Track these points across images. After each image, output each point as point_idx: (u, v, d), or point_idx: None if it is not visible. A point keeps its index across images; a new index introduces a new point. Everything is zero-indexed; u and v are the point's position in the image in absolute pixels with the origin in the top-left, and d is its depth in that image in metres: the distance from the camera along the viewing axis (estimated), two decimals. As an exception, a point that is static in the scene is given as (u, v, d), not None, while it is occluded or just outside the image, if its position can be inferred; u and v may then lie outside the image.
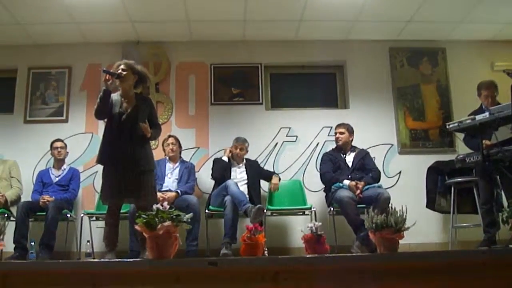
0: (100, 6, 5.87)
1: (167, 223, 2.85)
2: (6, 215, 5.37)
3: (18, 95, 6.75)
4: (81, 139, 6.54)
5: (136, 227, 2.96)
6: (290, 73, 7.05)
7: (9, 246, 4.86)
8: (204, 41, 6.79)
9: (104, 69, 4.42)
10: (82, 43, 6.79)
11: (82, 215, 5.78)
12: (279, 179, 5.96)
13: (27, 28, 6.40)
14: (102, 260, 3.91)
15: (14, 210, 5.59)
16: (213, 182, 5.95)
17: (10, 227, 4.95)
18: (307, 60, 6.89)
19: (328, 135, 6.48)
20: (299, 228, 4.74)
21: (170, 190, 5.59)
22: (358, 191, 5.32)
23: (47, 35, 6.59)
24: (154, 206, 2.94)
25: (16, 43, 6.76)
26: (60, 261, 3.32)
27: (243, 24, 6.39)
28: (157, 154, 5.61)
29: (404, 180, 6.38)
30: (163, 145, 5.99)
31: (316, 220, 5.29)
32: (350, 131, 5.87)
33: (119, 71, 4.37)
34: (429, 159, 5.99)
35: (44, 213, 5.42)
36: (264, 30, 6.56)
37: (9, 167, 5.95)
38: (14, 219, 5.45)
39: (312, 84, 7.03)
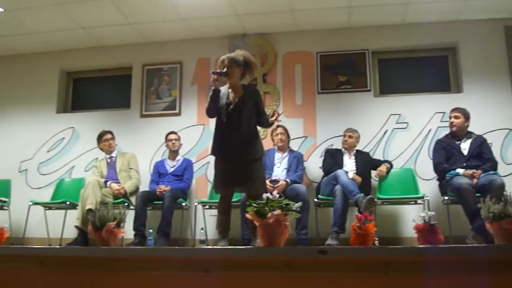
0: (206, 1, 6.04)
1: (277, 211, 2.88)
2: (126, 204, 5.66)
3: (134, 91, 7.14)
4: (193, 131, 6.78)
5: (247, 215, 3.02)
6: (399, 57, 6.82)
7: (129, 233, 5.11)
8: (309, 30, 6.76)
9: (213, 71, 4.52)
10: (191, 39, 7.03)
11: (196, 204, 6.01)
12: (390, 167, 5.86)
13: (140, 27, 6.73)
14: (215, 247, 4.03)
15: (133, 199, 5.90)
16: (321, 170, 5.95)
17: (130, 215, 5.23)
18: (416, 43, 6.63)
19: (441, 121, 6.21)
20: (411, 217, 4.60)
21: (279, 179, 5.64)
22: (475, 181, 5.05)
23: (158, 33, 6.89)
24: (264, 195, 2.98)
25: (130, 42, 7.15)
26: (176, 247, 3.47)
27: (348, 10, 6.28)
28: (266, 144, 5.68)
29: (524, 168, 5.98)
30: (271, 134, 6.06)
31: (429, 210, 5.09)
32: (466, 116, 5.52)
33: (225, 69, 4.45)
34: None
35: (161, 202, 5.68)
36: (369, 15, 6.41)
37: (128, 159, 6.29)
38: (133, 208, 5.75)
39: (422, 68, 6.72)
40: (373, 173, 5.91)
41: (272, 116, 4.46)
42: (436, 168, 5.51)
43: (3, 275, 3.08)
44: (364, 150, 6.14)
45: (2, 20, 6.45)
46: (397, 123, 6.38)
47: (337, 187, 5.33)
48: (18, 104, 7.37)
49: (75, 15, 6.37)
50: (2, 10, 6.18)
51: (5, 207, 6.35)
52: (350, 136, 5.93)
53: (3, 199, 6.35)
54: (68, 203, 6.03)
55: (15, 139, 7.22)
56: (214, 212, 5.51)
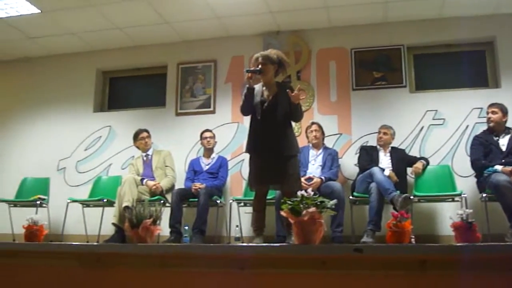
0: (240, -1, 6.07)
1: (312, 209, 2.87)
2: (161, 201, 5.76)
3: (169, 89, 7.22)
4: (227, 128, 6.81)
5: (282, 213, 3.02)
6: (435, 53, 6.70)
7: (165, 230, 5.19)
8: (344, 26, 6.71)
9: (247, 69, 4.52)
10: (225, 37, 7.06)
11: (230, 201, 6.04)
12: (427, 164, 5.79)
13: (175, 26, 6.79)
14: (250, 244, 4.05)
15: (169, 197, 5.95)
16: (356, 168, 5.91)
17: (166, 213, 5.30)
18: (452, 38, 6.50)
19: (478, 117, 6.09)
20: (448, 215, 4.54)
21: (314, 177, 5.63)
22: None
23: (192, 31, 6.94)
24: (299, 193, 2.98)
25: (165, 41, 7.23)
26: (211, 245, 3.48)
27: (383, 5, 6.21)
28: (300, 141, 5.65)
29: None
30: (306, 132, 6.05)
31: (466, 207, 5.03)
32: (504, 111, 5.39)
33: (259, 66, 4.45)
34: None
35: (196, 200, 5.72)
36: (405, 10, 6.31)
37: (164, 157, 6.36)
38: (169, 205, 5.80)
39: (459, 63, 6.58)
40: (409, 170, 5.84)
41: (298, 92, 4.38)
42: (474, 164, 5.40)
43: (43, 272, 3.15)
44: (400, 147, 6.07)
45: (40, 22, 6.60)
46: (433, 119, 6.28)
47: (373, 184, 5.28)
48: (56, 103, 7.54)
49: (111, 16, 6.48)
50: (40, 11, 6.32)
51: (44, 205, 6.50)
52: (385, 133, 5.87)
53: (42, 196, 6.50)
54: (105, 200, 6.14)
55: (53, 138, 7.39)
56: (249, 209, 5.54)
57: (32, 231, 4.26)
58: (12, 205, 6.57)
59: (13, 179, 7.05)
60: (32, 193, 6.61)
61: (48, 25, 6.70)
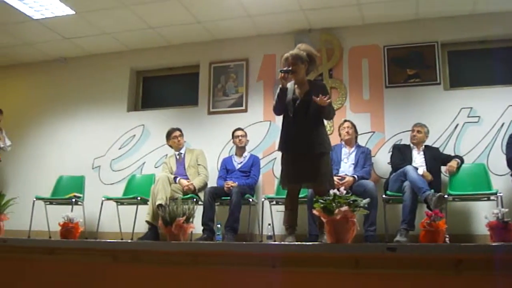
0: (272, -3, 6.07)
1: (344, 208, 2.87)
2: (194, 200, 5.79)
3: (201, 88, 7.27)
4: (260, 127, 6.82)
5: (314, 211, 3.02)
6: (469, 49, 6.57)
7: (198, 228, 5.21)
8: (376, 23, 6.65)
9: (281, 69, 4.50)
10: (257, 35, 7.07)
11: (263, 199, 6.05)
12: (461, 162, 5.71)
13: (206, 25, 6.84)
14: (282, 243, 4.05)
15: (201, 195, 5.99)
16: (389, 166, 5.86)
17: (199, 211, 5.34)
18: (487, 34, 6.37)
19: (515, 114, 5.99)
20: (483, 214, 4.47)
21: (346, 175, 5.60)
22: None
23: (224, 30, 6.98)
24: (331, 191, 2.97)
25: (197, 40, 7.29)
26: (244, 243, 3.51)
27: (416, 2, 6.13)
28: (333, 139, 5.63)
29: None
30: (339, 129, 6.01)
31: (502, 206, 4.93)
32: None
33: (289, 66, 4.43)
34: None
35: (229, 198, 5.75)
36: (438, 6, 6.22)
37: (197, 155, 6.41)
38: (201, 203, 5.84)
39: (493, 60, 6.43)
40: (443, 168, 5.76)
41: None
42: (510, 163, 5.31)
43: (78, 268, 3.22)
44: (434, 145, 5.99)
45: (74, 22, 6.73)
46: (468, 116, 6.18)
47: (406, 183, 5.24)
48: (91, 103, 7.67)
49: (144, 16, 6.56)
50: (74, 12, 6.44)
51: (79, 203, 6.61)
52: (418, 131, 5.80)
53: (77, 194, 6.62)
54: (139, 198, 6.22)
55: (89, 137, 7.53)
56: (281, 208, 5.53)
57: (68, 228, 4.34)
58: (48, 202, 6.73)
59: (49, 177, 7.21)
60: (68, 191, 6.74)
61: (83, 25, 6.82)
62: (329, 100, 4.34)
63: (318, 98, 4.25)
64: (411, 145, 5.85)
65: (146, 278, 3.03)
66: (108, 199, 6.42)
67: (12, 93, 8.20)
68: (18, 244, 3.70)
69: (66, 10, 6.38)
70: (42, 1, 6.15)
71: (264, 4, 6.20)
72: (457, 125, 6.18)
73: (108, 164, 7.37)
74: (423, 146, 5.81)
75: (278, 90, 4.47)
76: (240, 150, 6.34)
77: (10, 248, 3.59)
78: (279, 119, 4.71)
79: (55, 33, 7.07)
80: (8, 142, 7.23)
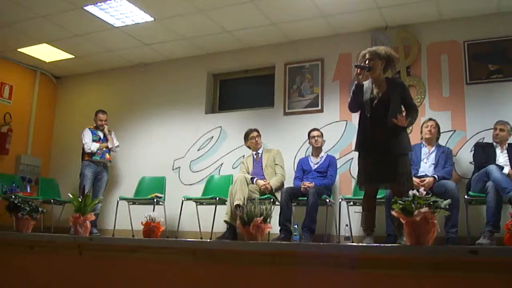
0: (346, -4, 6.02)
1: (424, 209, 2.80)
2: (271, 200, 5.84)
3: (277, 89, 7.32)
4: (336, 127, 6.78)
5: (393, 212, 2.98)
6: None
7: (275, 228, 5.24)
8: (455, 18, 6.42)
9: (356, 64, 4.47)
10: (332, 35, 7.03)
11: (340, 200, 6.02)
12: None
13: (281, 27, 6.87)
14: (360, 244, 4.01)
15: (278, 195, 6.03)
16: (472, 166, 5.66)
17: (276, 211, 5.36)
18: None
19: None
20: None
21: (426, 176, 5.46)
22: None
23: (299, 31, 6.99)
24: (410, 192, 2.92)
25: (272, 42, 7.35)
26: (321, 243, 3.49)
27: (497, -5, 5.90)
28: (412, 139, 5.49)
29: None
30: (422, 126, 5.86)
31: None
32: None
33: (366, 62, 4.39)
34: None
35: (305, 198, 5.76)
36: (523, -1, 5.95)
37: (274, 155, 6.46)
38: (278, 203, 5.88)
39: None
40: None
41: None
42: None
43: (160, 266, 3.34)
44: (519, 144, 5.73)
45: (154, 29, 6.97)
46: (555, 113, 5.86)
47: (489, 183, 5.04)
48: (171, 106, 7.92)
49: (220, 20, 6.68)
50: (153, 19, 6.66)
51: (160, 203, 6.84)
52: (501, 129, 5.56)
53: (158, 195, 6.85)
54: (217, 198, 6.36)
55: (169, 139, 7.77)
56: (359, 208, 5.48)
57: (150, 227, 4.47)
58: (131, 202, 7.00)
59: (132, 178, 7.51)
60: (150, 192, 7.00)
61: (161, 31, 7.05)
62: (408, 119, 4.34)
63: (397, 120, 4.26)
64: (494, 143, 5.62)
65: (225, 277, 3.09)
66: (188, 199, 6.60)
67: (94, 99, 8.58)
68: (103, 243, 3.87)
69: (145, 17, 6.61)
70: (123, 9, 6.40)
71: (338, 3, 6.15)
72: (543, 121, 5.87)
73: (187, 165, 7.57)
74: (507, 145, 5.57)
75: (353, 87, 4.43)
76: (317, 150, 6.32)
77: (96, 246, 3.77)
78: (356, 119, 4.67)
79: (135, 39, 7.34)
80: (116, 143, 7.52)
